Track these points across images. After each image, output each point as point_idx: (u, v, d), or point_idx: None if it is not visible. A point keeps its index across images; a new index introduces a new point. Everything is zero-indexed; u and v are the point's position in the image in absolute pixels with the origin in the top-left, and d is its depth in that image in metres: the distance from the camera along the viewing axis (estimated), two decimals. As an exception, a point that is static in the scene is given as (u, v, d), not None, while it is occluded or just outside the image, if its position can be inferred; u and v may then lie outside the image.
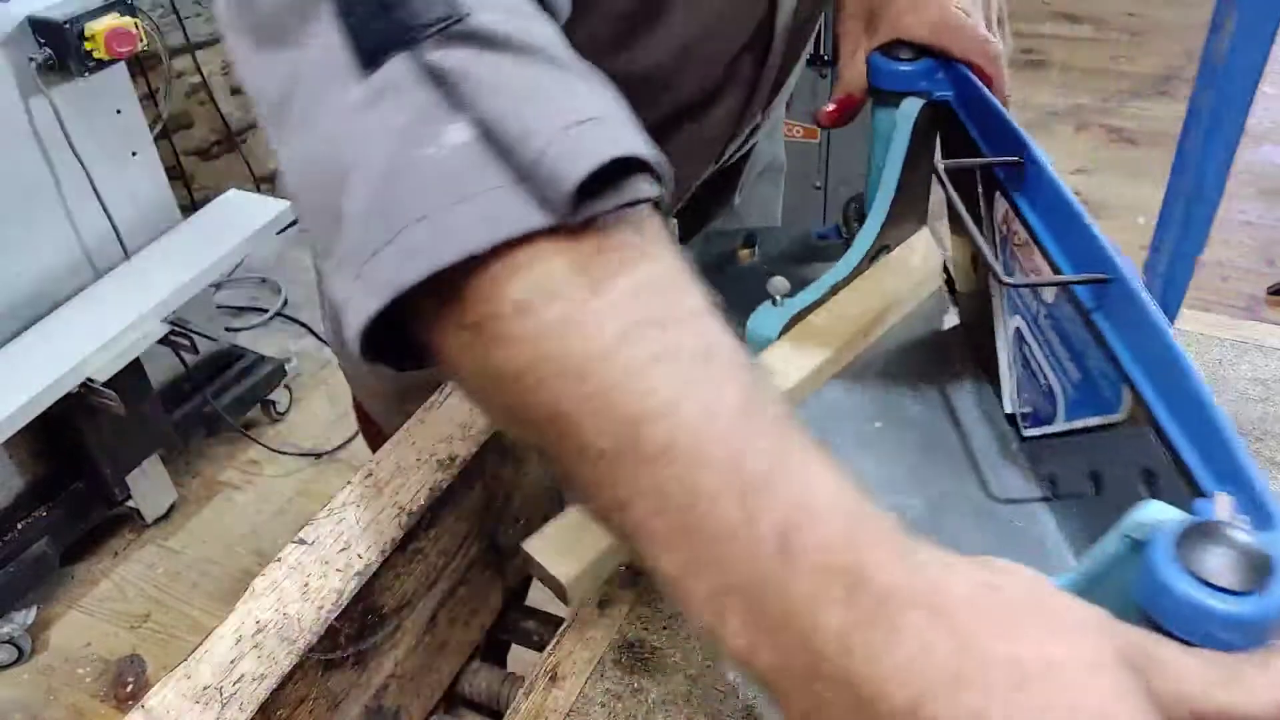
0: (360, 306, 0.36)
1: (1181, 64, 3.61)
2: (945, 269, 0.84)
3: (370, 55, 0.35)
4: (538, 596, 0.74)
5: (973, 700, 0.29)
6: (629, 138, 0.36)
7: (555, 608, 0.73)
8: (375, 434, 1.05)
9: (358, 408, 1.07)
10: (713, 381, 0.34)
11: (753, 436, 0.33)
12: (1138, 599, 0.38)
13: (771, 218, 1.10)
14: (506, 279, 0.34)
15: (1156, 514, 0.40)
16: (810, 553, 0.31)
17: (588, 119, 0.35)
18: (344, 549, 0.58)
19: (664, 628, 0.61)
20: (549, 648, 0.62)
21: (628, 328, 0.34)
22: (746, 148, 0.91)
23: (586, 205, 0.34)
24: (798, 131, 2.21)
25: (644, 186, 0.36)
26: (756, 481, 0.32)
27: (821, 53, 2.05)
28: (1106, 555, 0.43)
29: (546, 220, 0.34)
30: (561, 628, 0.63)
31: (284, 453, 2.22)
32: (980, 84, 0.68)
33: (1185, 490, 0.47)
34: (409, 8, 0.35)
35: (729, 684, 0.58)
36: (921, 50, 0.70)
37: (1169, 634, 0.37)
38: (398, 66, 0.35)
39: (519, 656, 0.74)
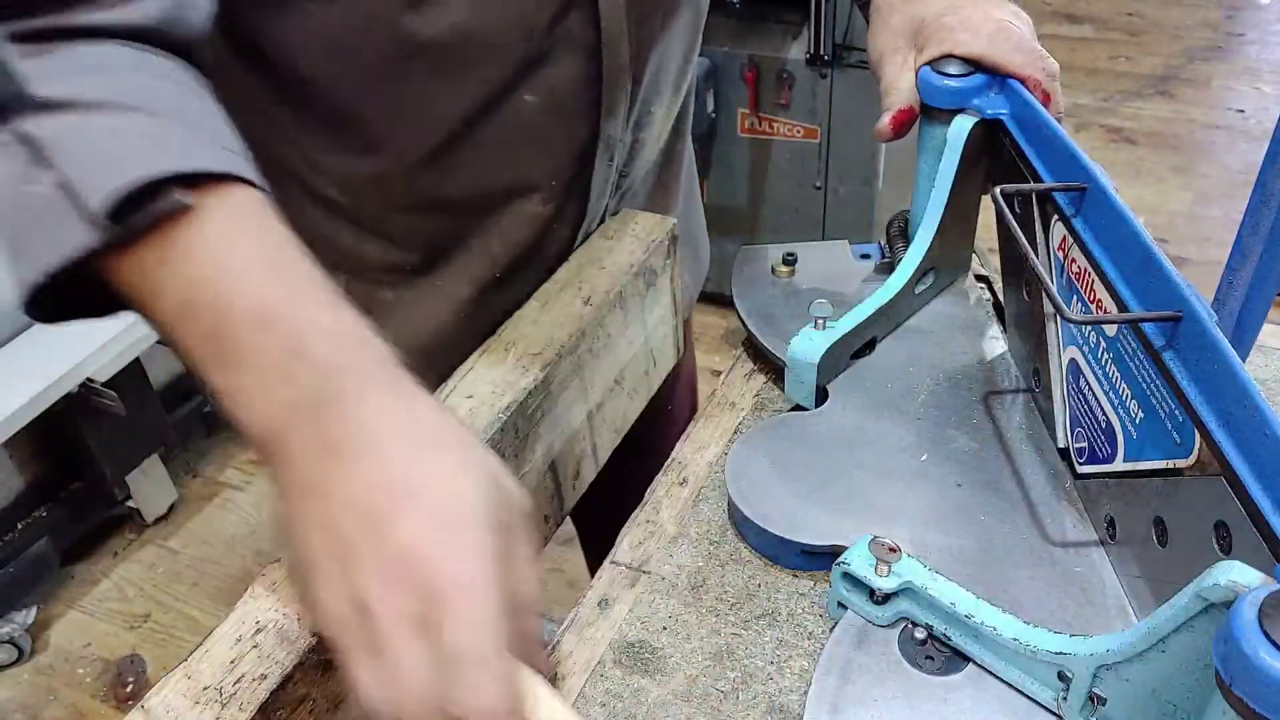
0: (17, 284, 0.49)
1: (1181, 64, 3.61)
2: (992, 293, 0.83)
3: None
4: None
5: (373, 438, 0.45)
6: (161, 160, 0.47)
7: (555, 608, 0.73)
8: None
9: None
10: (251, 269, 0.48)
11: (274, 292, 0.48)
12: (1216, 665, 0.37)
13: (703, 260, 1.09)
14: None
15: (1237, 576, 0.39)
16: (308, 357, 0.46)
17: (125, 154, 0.47)
18: (344, 549, 0.58)
19: (664, 628, 0.61)
20: (549, 648, 0.62)
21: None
22: (646, 143, 0.86)
23: (124, 223, 0.47)
24: (798, 131, 2.21)
25: (172, 196, 0.47)
26: (269, 318, 0.47)
27: (821, 53, 2.05)
28: (1176, 615, 0.42)
29: (97, 239, 0.47)
30: (561, 628, 0.63)
31: (284, 453, 2.21)
32: (1037, 103, 0.65)
33: (1264, 549, 0.44)
34: None
35: (729, 684, 0.58)
36: (974, 66, 0.68)
37: (1248, 707, 0.35)
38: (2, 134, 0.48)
39: (519, 656, 0.74)
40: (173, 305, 0.49)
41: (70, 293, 0.51)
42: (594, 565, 1.30)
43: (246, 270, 0.48)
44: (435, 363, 0.84)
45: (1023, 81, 0.67)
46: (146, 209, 0.47)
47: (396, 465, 0.44)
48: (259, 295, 0.47)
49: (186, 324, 0.49)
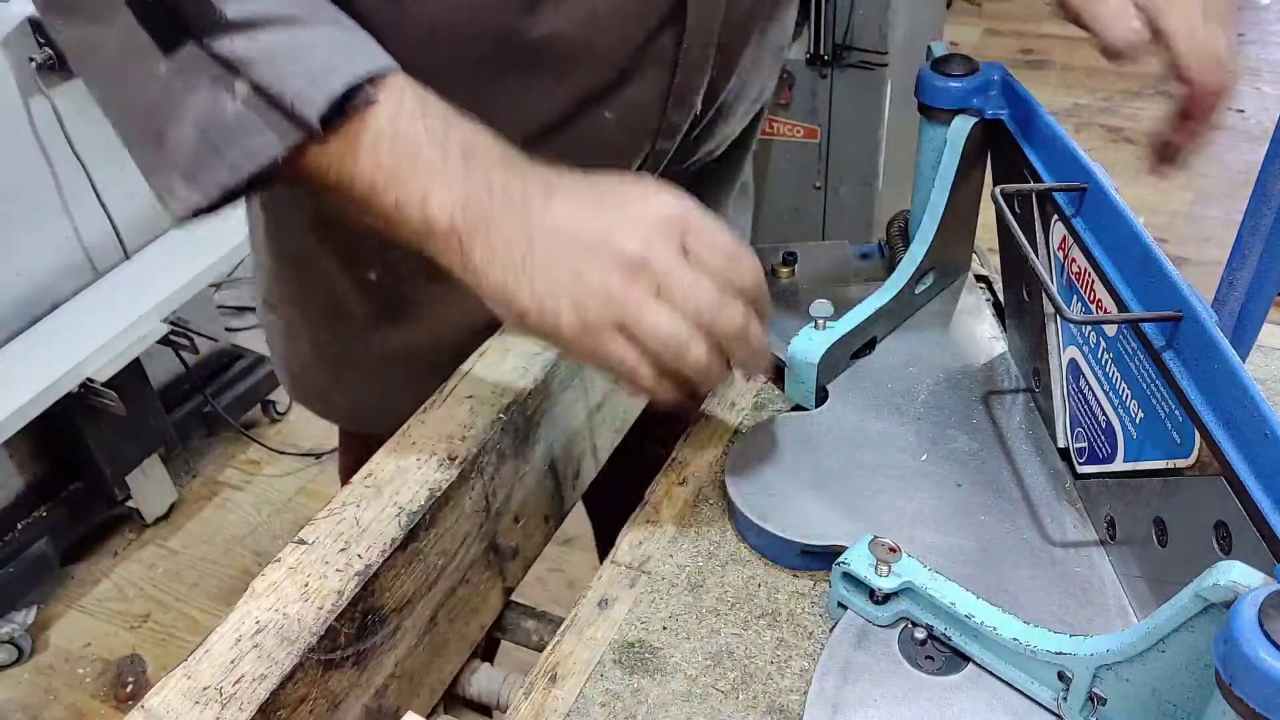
0: (187, 198, 0.56)
1: (1181, 64, 3.60)
2: (992, 293, 0.83)
3: (169, 44, 0.53)
4: (538, 596, 0.74)
5: (565, 196, 0.56)
6: (353, 65, 0.54)
7: (555, 608, 0.73)
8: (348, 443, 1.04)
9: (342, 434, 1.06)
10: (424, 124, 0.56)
11: (448, 130, 0.56)
12: (1216, 665, 0.37)
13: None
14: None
15: (1237, 576, 0.39)
16: (480, 158, 0.55)
17: (325, 65, 0.54)
18: (344, 549, 0.58)
19: (664, 628, 0.61)
20: (549, 648, 0.62)
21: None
22: (704, 155, 0.86)
23: (331, 123, 0.54)
24: (798, 131, 2.21)
25: (365, 92, 0.54)
26: (443, 136, 0.55)
27: (821, 53, 2.05)
28: (1176, 615, 0.42)
29: (301, 136, 0.54)
30: (561, 627, 0.63)
31: (284, 453, 2.22)
32: (1036, 103, 0.65)
33: (1264, 549, 0.44)
34: (187, 10, 0.52)
35: (729, 684, 0.58)
36: (972, 66, 0.68)
37: (1248, 707, 0.35)
38: (191, 51, 0.53)
39: (519, 657, 0.74)
40: (364, 175, 0.55)
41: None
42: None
43: (423, 135, 0.55)
44: (449, 370, 0.83)
45: (1190, 86, 0.58)
46: (343, 109, 0.54)
47: (608, 185, 0.56)
48: (438, 142, 0.55)
49: (374, 176, 0.55)
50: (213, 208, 0.57)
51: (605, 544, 1.23)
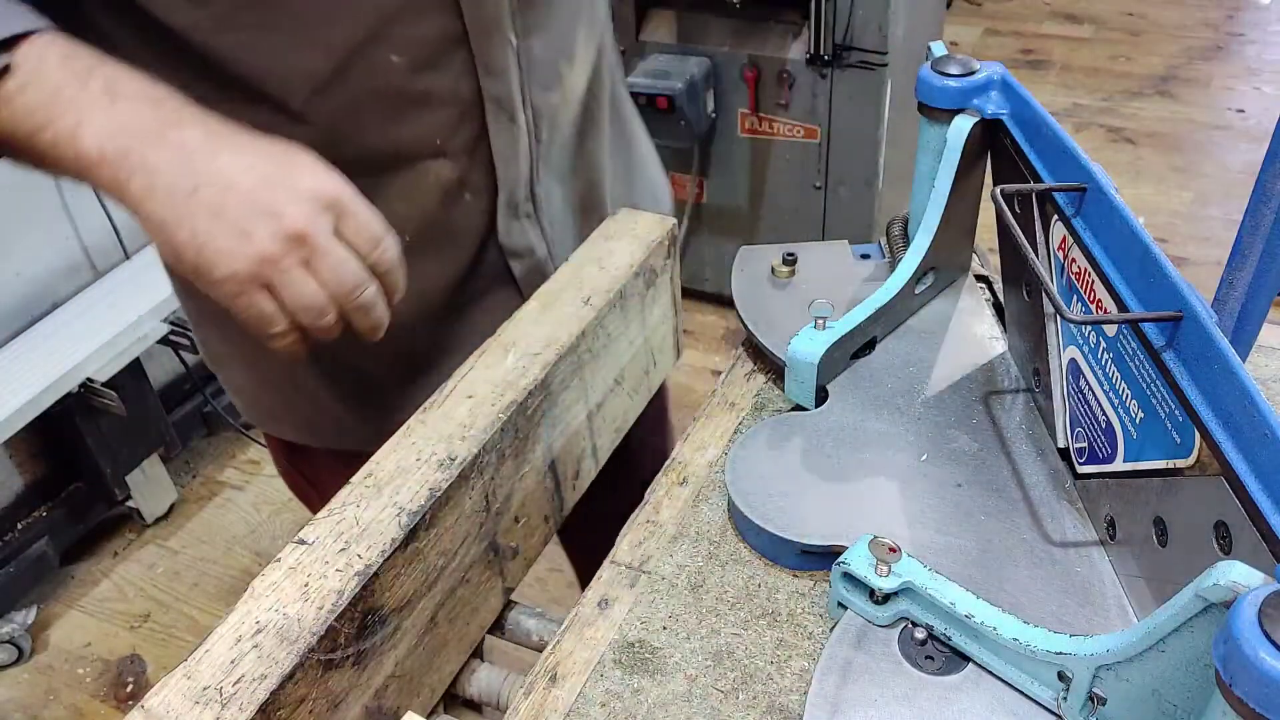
0: None
1: (1181, 64, 3.61)
2: (992, 293, 0.83)
3: None
4: (538, 596, 0.74)
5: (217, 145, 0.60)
6: None
7: (555, 608, 0.73)
8: (278, 451, 1.03)
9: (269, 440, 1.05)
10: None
11: (90, 70, 0.60)
12: (1216, 665, 0.37)
13: (663, 201, 1.06)
14: None
15: (1237, 576, 0.39)
16: (128, 95, 0.60)
17: None
18: (344, 549, 0.58)
19: (664, 628, 0.61)
20: (549, 648, 0.62)
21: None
22: (561, 108, 0.85)
23: None
24: (798, 131, 2.21)
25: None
26: (85, 76, 0.60)
27: (821, 53, 2.05)
28: (1176, 615, 0.42)
29: None
30: (561, 627, 0.63)
31: (284, 453, 2.21)
32: (1036, 103, 0.65)
33: (1264, 549, 0.44)
34: None
35: (729, 684, 0.58)
36: (972, 67, 0.68)
37: (1248, 707, 0.35)
38: None
39: (519, 656, 0.74)
40: (19, 121, 0.59)
41: None
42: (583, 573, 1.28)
43: (70, 77, 0.59)
44: (345, 349, 0.83)
45: None
46: None
47: (276, 151, 0.60)
48: (83, 82, 0.59)
49: (29, 120, 0.59)
50: None
51: (585, 577, 1.22)
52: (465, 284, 0.86)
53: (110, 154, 0.58)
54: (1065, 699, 0.51)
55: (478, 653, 0.72)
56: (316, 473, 1.00)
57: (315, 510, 1.05)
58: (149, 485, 2.04)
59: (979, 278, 0.84)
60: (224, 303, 0.61)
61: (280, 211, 0.58)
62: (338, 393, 0.89)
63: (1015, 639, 0.52)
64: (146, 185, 0.58)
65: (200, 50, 0.69)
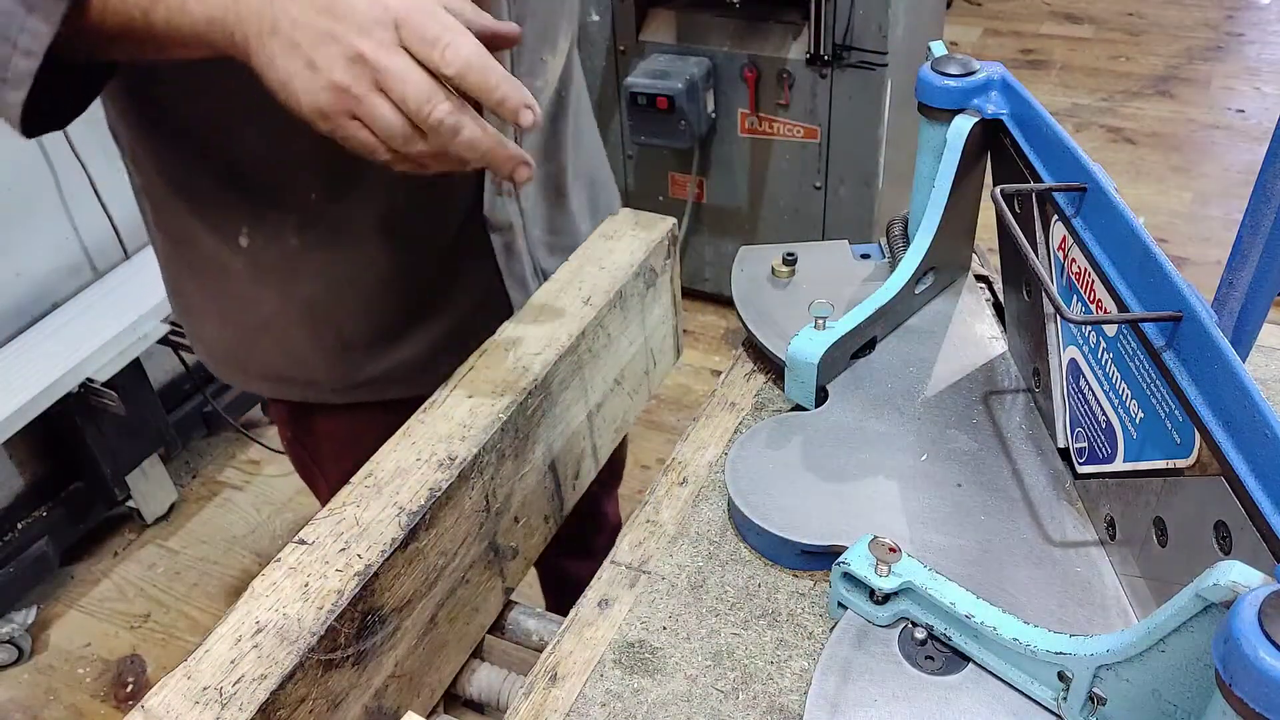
0: (12, 100, 0.60)
1: (1181, 64, 3.61)
2: (992, 293, 0.83)
3: None
4: (538, 597, 0.74)
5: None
6: None
7: (561, 609, 0.73)
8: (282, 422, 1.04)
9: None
10: None
11: None
12: (1216, 665, 0.37)
13: (609, 186, 1.08)
14: None
15: (1237, 576, 0.39)
16: None
17: None
18: (344, 549, 0.58)
19: (664, 628, 0.61)
20: (549, 648, 0.62)
21: None
22: (543, 91, 0.87)
23: None
24: (798, 131, 2.21)
25: None
26: None
27: (821, 53, 2.05)
28: (1176, 615, 0.42)
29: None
30: (561, 627, 0.63)
31: (284, 452, 2.21)
32: (1037, 103, 0.65)
33: (1264, 549, 0.44)
34: None
35: (729, 684, 0.58)
36: (972, 67, 0.68)
37: (1248, 707, 0.35)
38: None
39: (519, 656, 0.74)
40: (125, 7, 0.59)
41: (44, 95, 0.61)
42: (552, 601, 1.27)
43: None
44: (348, 325, 0.85)
45: None
46: None
47: None
48: None
49: (139, 10, 0.59)
50: (41, 112, 0.62)
51: (555, 607, 1.23)
52: (449, 254, 0.87)
53: (217, 16, 0.59)
54: (1065, 699, 0.51)
55: (478, 653, 0.72)
56: (318, 446, 1.00)
57: (316, 488, 1.06)
58: (149, 485, 2.04)
59: (979, 278, 0.84)
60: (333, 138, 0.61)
61: (339, 36, 0.57)
62: (312, 346, 0.90)
63: (1015, 639, 0.52)
64: (242, 37, 0.59)
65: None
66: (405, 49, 0.57)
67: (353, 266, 0.85)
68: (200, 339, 0.98)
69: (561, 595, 1.18)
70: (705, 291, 2.58)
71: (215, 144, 0.80)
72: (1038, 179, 0.64)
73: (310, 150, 0.77)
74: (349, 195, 0.81)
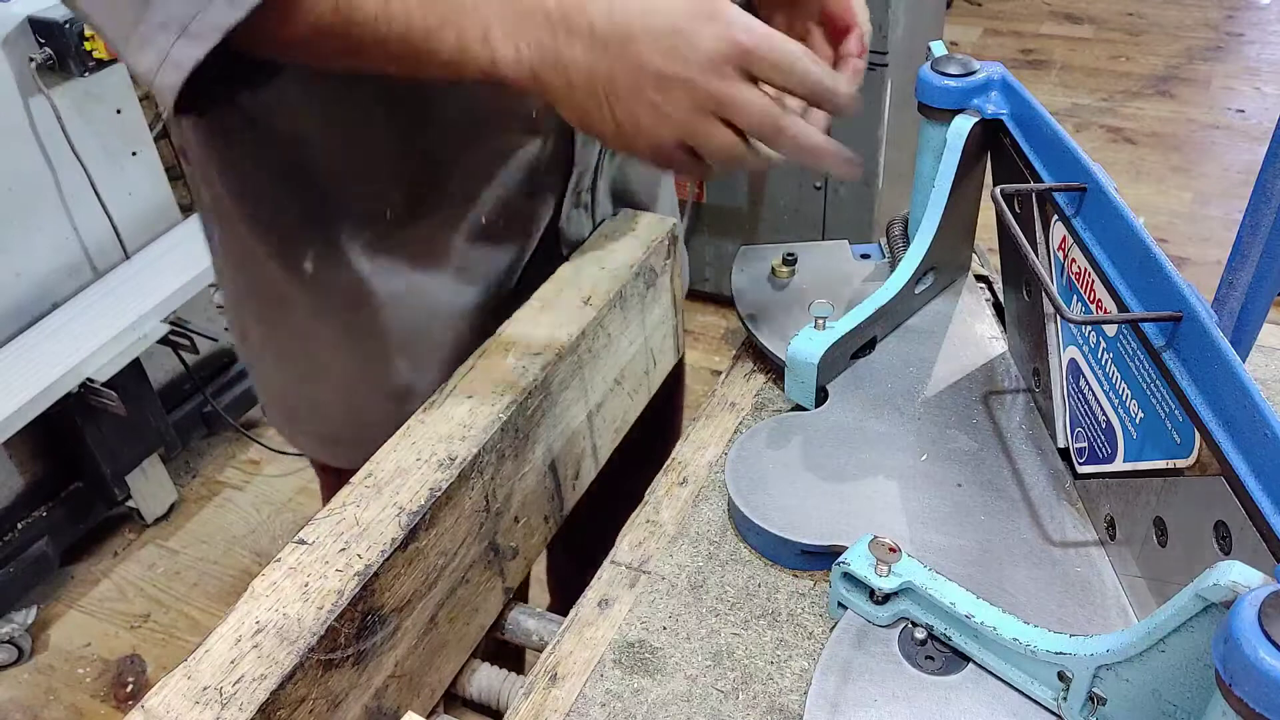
0: (183, 56, 0.54)
1: (1181, 64, 3.61)
2: (992, 293, 0.83)
3: None
4: (538, 597, 0.74)
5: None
6: None
7: (565, 609, 0.73)
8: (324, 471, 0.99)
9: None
10: None
11: None
12: (1216, 665, 0.37)
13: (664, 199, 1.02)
14: None
15: (1237, 576, 0.39)
16: None
17: None
18: (344, 549, 0.58)
19: (664, 628, 0.61)
20: (549, 648, 0.62)
21: None
22: None
23: None
24: (798, 131, 2.21)
25: None
26: None
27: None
28: (1176, 615, 0.42)
29: None
30: (561, 627, 0.63)
31: (284, 453, 2.21)
32: (1037, 103, 0.65)
33: (1264, 549, 0.44)
34: None
35: (729, 684, 0.58)
36: (972, 67, 0.69)
37: (1248, 707, 0.35)
38: None
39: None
40: (410, 28, 0.55)
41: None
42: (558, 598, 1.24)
43: None
44: (411, 367, 0.80)
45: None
46: None
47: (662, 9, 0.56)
48: None
49: (421, 24, 0.55)
50: (207, 82, 0.56)
51: (560, 601, 1.21)
52: (525, 271, 0.84)
53: (526, 56, 0.56)
54: (1065, 699, 0.51)
55: (478, 653, 0.72)
56: None
57: None
58: (149, 485, 2.04)
59: (979, 278, 0.84)
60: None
61: (687, 79, 0.56)
62: (370, 391, 0.85)
63: (1015, 639, 0.52)
64: (565, 82, 0.57)
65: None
66: (750, 75, 0.57)
67: (423, 297, 0.80)
68: (262, 385, 0.93)
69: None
70: (705, 291, 2.58)
71: (293, 151, 0.74)
72: (1038, 179, 0.64)
73: (392, 158, 0.74)
74: (428, 211, 0.77)
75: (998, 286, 0.82)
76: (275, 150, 0.74)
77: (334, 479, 0.91)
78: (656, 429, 0.97)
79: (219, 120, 0.74)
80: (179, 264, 1.87)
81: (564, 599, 1.10)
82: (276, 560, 0.58)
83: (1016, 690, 0.54)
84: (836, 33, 0.79)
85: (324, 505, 0.69)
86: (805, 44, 0.82)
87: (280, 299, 0.82)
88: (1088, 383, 0.62)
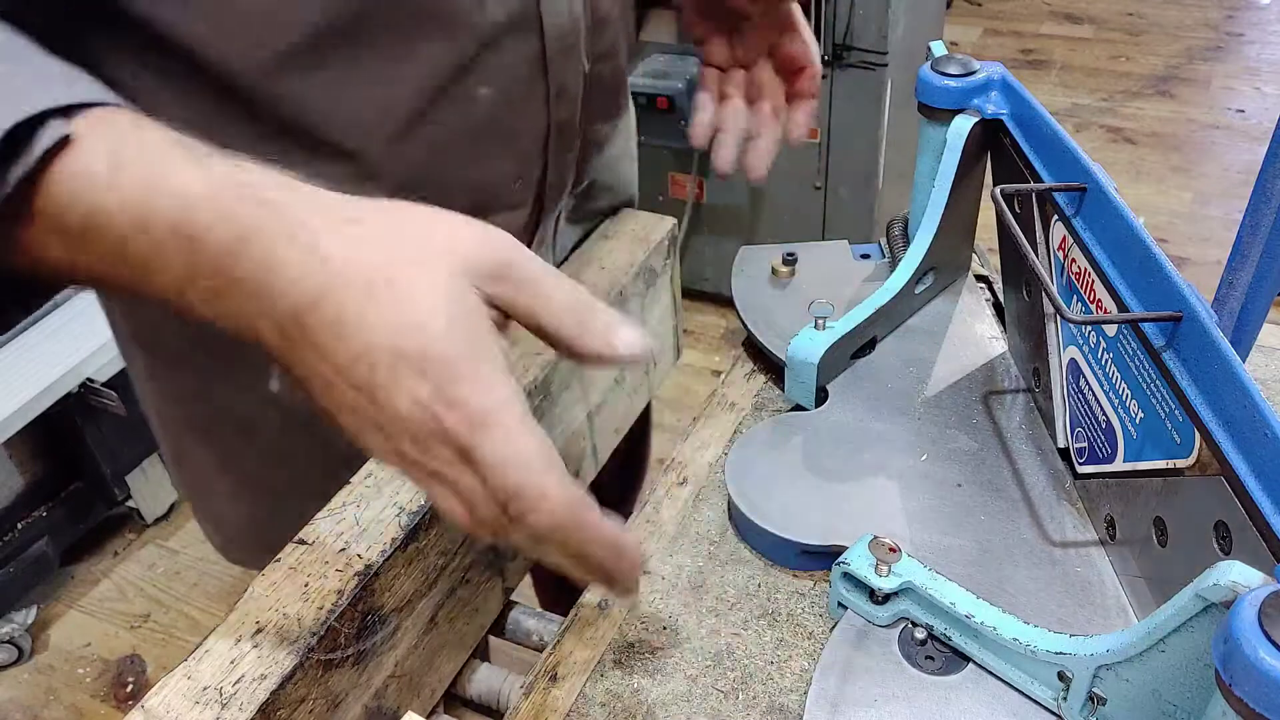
0: None
1: (1181, 64, 3.61)
2: (992, 293, 0.83)
3: None
4: (537, 597, 0.74)
5: (329, 308, 0.40)
6: (20, 99, 0.39)
7: (555, 607, 0.73)
8: None
9: None
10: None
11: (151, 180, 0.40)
12: (1216, 665, 0.37)
13: (630, 187, 0.99)
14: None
15: (1237, 576, 0.39)
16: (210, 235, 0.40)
17: None
18: (344, 549, 0.58)
19: (664, 628, 0.61)
20: (549, 648, 0.62)
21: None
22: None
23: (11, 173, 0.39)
24: (798, 131, 2.21)
25: (51, 131, 0.39)
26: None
27: (821, 53, 2.05)
28: (1176, 615, 0.42)
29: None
30: (561, 627, 0.63)
31: (284, 453, 2.21)
32: (1037, 103, 0.65)
33: (1264, 549, 0.44)
34: None
35: (729, 684, 0.58)
36: (972, 67, 0.69)
37: (1248, 708, 0.35)
38: None
39: (519, 657, 0.74)
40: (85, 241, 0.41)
41: None
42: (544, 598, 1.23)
43: (154, 179, 0.40)
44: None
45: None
46: (22, 154, 0.39)
47: (365, 336, 0.41)
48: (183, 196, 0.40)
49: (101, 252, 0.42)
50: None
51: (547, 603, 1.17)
52: None
53: (249, 319, 0.42)
54: (1065, 699, 0.51)
55: (478, 653, 0.72)
56: None
57: None
58: (149, 485, 2.04)
59: (979, 278, 0.84)
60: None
61: (377, 429, 0.43)
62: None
63: (1015, 639, 0.52)
64: (292, 362, 0.44)
65: (248, 95, 0.58)
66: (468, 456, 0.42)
67: None
68: (208, 517, 0.82)
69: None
70: (705, 291, 2.58)
71: None
72: (1038, 179, 0.64)
73: None
74: None
75: (998, 286, 0.82)
76: None
77: None
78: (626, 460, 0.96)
79: None
80: (179, 264, 1.87)
81: (562, 600, 1.09)
82: (276, 560, 0.58)
83: (1016, 690, 0.54)
84: (791, 73, 0.80)
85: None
86: (752, 76, 0.83)
87: (240, 425, 0.74)
88: (1088, 383, 0.62)
